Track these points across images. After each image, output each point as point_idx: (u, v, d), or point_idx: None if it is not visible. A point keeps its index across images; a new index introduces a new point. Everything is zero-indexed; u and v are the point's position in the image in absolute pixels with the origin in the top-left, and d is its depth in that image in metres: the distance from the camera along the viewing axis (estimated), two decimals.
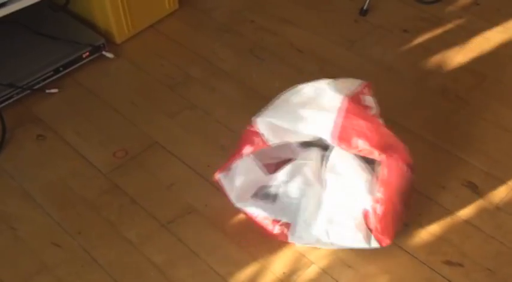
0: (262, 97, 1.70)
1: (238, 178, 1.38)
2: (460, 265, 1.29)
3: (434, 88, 1.69)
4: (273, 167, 1.42)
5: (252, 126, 1.34)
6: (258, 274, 1.32)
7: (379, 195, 1.23)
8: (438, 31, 1.85)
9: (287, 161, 1.40)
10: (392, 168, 1.23)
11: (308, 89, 1.31)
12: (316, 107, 1.27)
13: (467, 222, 1.36)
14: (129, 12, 1.84)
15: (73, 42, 1.78)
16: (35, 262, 1.35)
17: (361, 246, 1.28)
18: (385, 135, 1.25)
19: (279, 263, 1.33)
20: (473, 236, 1.34)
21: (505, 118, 1.58)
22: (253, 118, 1.34)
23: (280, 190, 1.38)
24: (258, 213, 1.35)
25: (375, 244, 1.27)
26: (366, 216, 1.26)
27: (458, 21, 1.88)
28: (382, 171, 1.23)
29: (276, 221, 1.33)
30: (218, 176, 1.39)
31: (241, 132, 1.60)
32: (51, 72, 1.73)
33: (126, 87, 1.77)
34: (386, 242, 1.27)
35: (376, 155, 1.22)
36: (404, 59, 1.77)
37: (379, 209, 1.23)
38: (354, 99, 1.27)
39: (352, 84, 1.32)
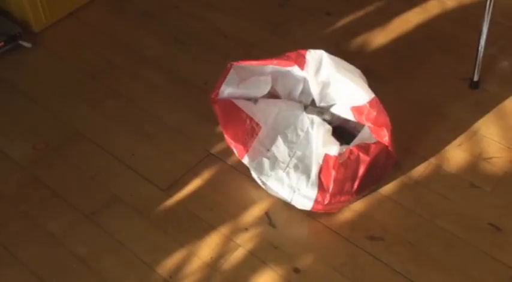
0: (187, 83, 1.69)
1: (248, 81, 1.37)
2: (382, 239, 1.32)
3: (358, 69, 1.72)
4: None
5: (304, 51, 1.37)
6: (185, 260, 1.31)
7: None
8: (360, 13, 1.88)
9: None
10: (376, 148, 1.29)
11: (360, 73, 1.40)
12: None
13: (388, 197, 1.40)
14: (47, 0, 1.77)
15: None
16: None
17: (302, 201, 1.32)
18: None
19: (206, 248, 1.33)
20: (394, 210, 1.37)
21: (423, 96, 1.63)
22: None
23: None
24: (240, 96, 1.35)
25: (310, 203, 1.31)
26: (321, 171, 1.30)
27: (379, 4, 1.91)
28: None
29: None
30: (233, 66, 1.37)
31: (167, 119, 1.59)
32: None
33: (45, 77, 1.71)
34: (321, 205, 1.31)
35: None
36: (327, 42, 1.79)
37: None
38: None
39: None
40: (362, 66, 1.73)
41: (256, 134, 1.33)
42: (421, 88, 1.65)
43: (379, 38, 1.80)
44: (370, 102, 1.32)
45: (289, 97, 1.44)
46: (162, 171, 1.47)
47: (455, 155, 1.48)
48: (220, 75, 1.69)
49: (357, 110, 1.34)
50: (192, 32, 1.83)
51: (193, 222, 1.37)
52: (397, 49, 1.77)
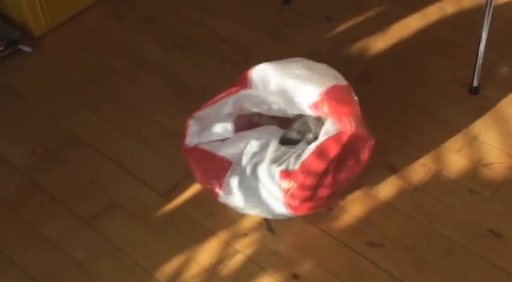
0: (187, 88, 1.69)
1: (207, 129, 1.37)
2: (381, 245, 1.32)
3: (357, 74, 1.71)
4: (244, 120, 1.43)
5: (250, 70, 1.36)
6: (183, 266, 1.30)
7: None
8: (359, 19, 1.88)
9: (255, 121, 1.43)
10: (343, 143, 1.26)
11: (312, 63, 1.38)
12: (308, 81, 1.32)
13: (387, 203, 1.39)
14: (46, 4, 1.78)
15: None
16: None
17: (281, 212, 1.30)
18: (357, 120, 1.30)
19: (205, 253, 1.32)
20: (393, 216, 1.37)
21: (423, 101, 1.63)
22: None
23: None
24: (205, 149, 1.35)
25: (287, 210, 1.29)
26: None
27: (378, 9, 1.91)
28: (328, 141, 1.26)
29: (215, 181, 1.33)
30: (193, 116, 1.38)
31: (166, 124, 1.58)
32: None
33: (45, 81, 1.71)
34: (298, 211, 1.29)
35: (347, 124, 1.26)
36: (327, 47, 1.79)
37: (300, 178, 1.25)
38: (347, 88, 1.35)
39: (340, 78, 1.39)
40: (362, 72, 1.74)
41: (227, 170, 1.32)
42: (420, 93, 1.65)
43: (379, 43, 1.80)
44: (325, 94, 1.29)
45: (270, 112, 1.42)
46: (161, 176, 1.46)
47: (455, 160, 1.48)
48: (220, 79, 1.70)
49: (314, 106, 1.31)
50: (191, 37, 1.83)
51: (192, 228, 1.36)
52: (397, 54, 1.77)
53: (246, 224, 1.36)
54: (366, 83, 1.69)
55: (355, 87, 1.70)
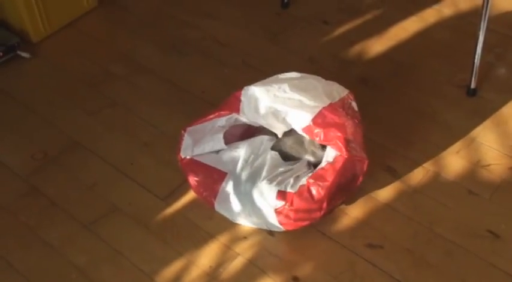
0: (185, 92, 1.70)
1: (200, 142, 1.38)
2: (381, 247, 1.32)
3: (355, 77, 1.72)
4: (239, 130, 1.42)
5: (239, 92, 1.34)
6: (184, 269, 1.31)
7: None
8: (357, 22, 1.89)
9: (250, 132, 1.42)
10: (341, 167, 1.26)
11: (302, 80, 1.35)
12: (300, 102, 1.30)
13: (387, 205, 1.40)
14: (45, 10, 1.78)
15: None
16: None
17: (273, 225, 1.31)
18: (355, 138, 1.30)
19: (205, 257, 1.32)
20: (392, 218, 1.37)
21: (421, 103, 1.64)
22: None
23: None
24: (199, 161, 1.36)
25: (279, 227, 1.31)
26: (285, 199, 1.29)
27: (376, 12, 1.92)
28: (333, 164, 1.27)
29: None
30: (187, 130, 1.37)
31: (165, 128, 1.59)
32: None
33: (44, 87, 1.71)
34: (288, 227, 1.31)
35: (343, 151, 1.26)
36: (325, 50, 1.80)
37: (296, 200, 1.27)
38: (340, 104, 1.33)
39: (340, 89, 1.39)
40: (359, 75, 1.74)
41: (222, 181, 1.34)
42: (418, 96, 1.66)
43: (376, 46, 1.80)
44: (314, 120, 1.28)
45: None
46: (161, 180, 1.47)
47: (454, 162, 1.48)
48: (218, 83, 1.70)
49: (307, 130, 1.30)
50: (189, 41, 1.84)
51: (192, 231, 1.36)
52: (394, 57, 1.77)
53: (245, 227, 1.37)
54: (364, 85, 1.70)
55: (353, 89, 1.71)
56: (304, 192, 1.27)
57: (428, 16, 1.89)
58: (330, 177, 1.26)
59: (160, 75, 1.74)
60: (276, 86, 1.33)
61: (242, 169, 1.34)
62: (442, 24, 1.87)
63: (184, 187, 1.44)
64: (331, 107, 1.31)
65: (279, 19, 1.91)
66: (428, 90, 1.67)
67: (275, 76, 1.40)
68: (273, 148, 1.38)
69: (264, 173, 1.33)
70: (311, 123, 1.28)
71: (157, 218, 1.39)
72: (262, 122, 1.35)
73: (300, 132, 1.32)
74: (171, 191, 1.44)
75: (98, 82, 1.72)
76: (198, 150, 1.38)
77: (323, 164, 1.30)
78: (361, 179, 1.33)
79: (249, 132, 1.44)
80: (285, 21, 1.90)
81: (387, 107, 1.64)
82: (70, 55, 1.80)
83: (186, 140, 1.37)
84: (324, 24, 1.88)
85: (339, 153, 1.28)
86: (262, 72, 1.73)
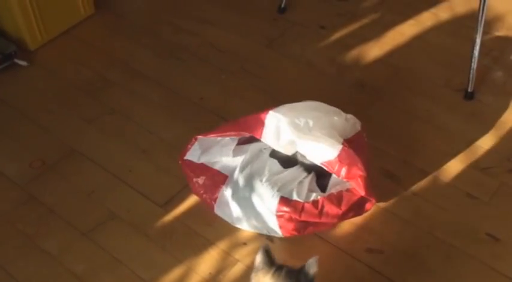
0: (183, 98, 1.70)
1: (208, 152, 1.38)
2: (380, 251, 1.32)
3: (352, 82, 1.72)
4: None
5: (264, 113, 1.33)
6: (183, 276, 1.30)
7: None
8: (354, 26, 1.89)
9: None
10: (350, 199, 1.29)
11: (327, 116, 1.35)
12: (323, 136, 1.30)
13: (386, 209, 1.40)
14: (41, 18, 1.78)
15: None
16: None
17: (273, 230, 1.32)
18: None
19: (205, 263, 1.32)
20: (392, 222, 1.37)
21: (418, 107, 1.64)
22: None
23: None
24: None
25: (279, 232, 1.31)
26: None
27: (372, 16, 1.93)
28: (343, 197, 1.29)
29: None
30: (198, 139, 1.37)
31: (163, 135, 1.59)
32: None
33: (41, 95, 1.71)
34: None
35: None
36: (322, 55, 1.80)
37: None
38: (357, 138, 1.35)
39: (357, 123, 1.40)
40: (356, 79, 1.75)
41: (222, 183, 1.34)
42: (416, 100, 1.66)
43: (374, 50, 1.81)
44: (339, 156, 1.27)
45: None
46: (159, 187, 1.46)
47: (452, 165, 1.48)
48: (216, 89, 1.70)
49: (328, 164, 1.29)
50: (187, 47, 1.84)
51: (191, 238, 1.36)
52: (392, 61, 1.77)
53: (244, 233, 1.36)
54: (361, 90, 1.70)
55: (350, 93, 1.71)
56: (315, 209, 1.28)
57: (426, 20, 1.89)
58: (344, 207, 1.28)
59: (158, 82, 1.74)
60: (302, 121, 1.31)
61: (242, 172, 1.34)
62: (439, 28, 1.87)
63: (183, 194, 1.44)
64: (351, 143, 1.31)
65: (276, 24, 1.91)
66: (425, 94, 1.67)
67: (302, 104, 1.38)
68: (271, 155, 1.38)
69: (264, 177, 1.33)
70: (335, 159, 1.27)
71: (156, 225, 1.39)
72: (280, 149, 1.34)
73: (317, 163, 1.31)
74: (170, 198, 1.44)
75: (95, 89, 1.72)
76: (204, 159, 1.38)
77: (339, 187, 1.31)
78: (360, 213, 1.34)
79: (250, 137, 1.44)
80: (282, 26, 1.91)
81: (385, 111, 1.64)
82: (67, 62, 1.80)
83: (195, 147, 1.38)
84: (321, 29, 1.89)
85: (351, 187, 1.30)
86: (260, 78, 1.74)
